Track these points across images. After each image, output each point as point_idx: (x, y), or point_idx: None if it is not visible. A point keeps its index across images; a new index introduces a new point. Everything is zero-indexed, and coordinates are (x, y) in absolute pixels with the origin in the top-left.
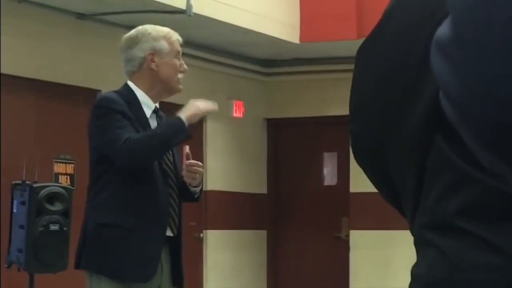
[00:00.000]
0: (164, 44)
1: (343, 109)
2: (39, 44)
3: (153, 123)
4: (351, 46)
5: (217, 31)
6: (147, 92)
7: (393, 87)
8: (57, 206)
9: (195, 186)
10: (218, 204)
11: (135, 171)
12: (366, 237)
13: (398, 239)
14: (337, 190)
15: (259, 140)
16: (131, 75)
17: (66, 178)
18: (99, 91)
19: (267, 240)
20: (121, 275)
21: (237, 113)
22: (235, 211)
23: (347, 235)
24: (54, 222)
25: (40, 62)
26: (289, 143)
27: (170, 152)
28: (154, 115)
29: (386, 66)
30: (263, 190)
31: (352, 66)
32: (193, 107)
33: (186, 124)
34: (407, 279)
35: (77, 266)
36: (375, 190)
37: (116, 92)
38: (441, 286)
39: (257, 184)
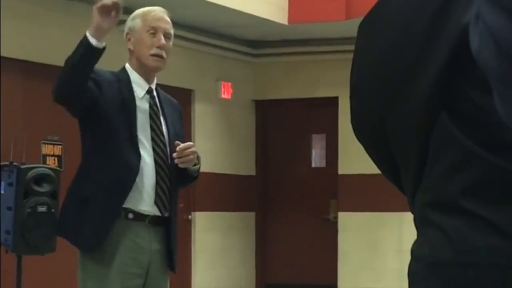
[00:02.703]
0: (137, 22)
1: (332, 91)
2: (28, 25)
3: (144, 104)
4: (340, 27)
5: (205, 12)
6: (138, 72)
7: (396, 62)
8: (45, 188)
9: (194, 165)
10: (207, 186)
11: (103, 144)
12: (354, 219)
13: (386, 221)
14: (326, 172)
15: (247, 121)
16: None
17: (54, 160)
18: None
19: (255, 222)
20: (74, 241)
21: (225, 94)
22: (224, 193)
23: (336, 217)
24: (42, 204)
25: (28, 43)
26: (277, 125)
27: (162, 131)
28: (148, 96)
29: (389, 41)
30: (252, 172)
31: (341, 47)
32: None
33: (91, 36)
34: (395, 260)
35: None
36: (364, 172)
37: (113, 71)
38: (443, 267)
39: (246, 166)
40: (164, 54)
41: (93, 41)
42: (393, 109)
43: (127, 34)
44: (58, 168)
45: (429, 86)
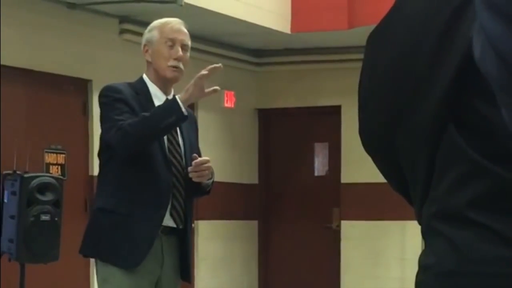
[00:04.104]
0: (154, 34)
1: (335, 100)
2: (30, 34)
3: None
4: (342, 36)
5: (208, 21)
6: (156, 84)
7: (405, 74)
8: (48, 196)
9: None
10: (209, 194)
11: (133, 156)
12: (357, 228)
13: (389, 230)
14: (328, 181)
15: (250, 130)
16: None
17: (57, 168)
18: (90, 80)
19: (258, 231)
20: (110, 259)
21: (229, 103)
22: (226, 201)
23: (338, 226)
24: (45, 212)
25: (30, 52)
26: (280, 134)
27: (178, 142)
28: None
29: (398, 53)
30: (254, 180)
31: (343, 56)
32: (190, 84)
33: (181, 104)
34: (398, 269)
35: (81, 253)
36: (366, 181)
37: (127, 82)
38: (450, 277)
39: (248, 175)
40: (181, 66)
41: (184, 110)
42: (401, 121)
43: (144, 45)
44: (61, 177)
45: (438, 99)
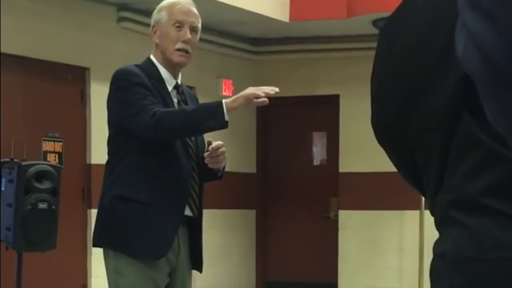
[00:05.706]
0: (162, 15)
1: (333, 89)
2: (28, 21)
3: (174, 100)
4: (341, 25)
5: (207, 9)
6: (165, 67)
7: (419, 64)
8: (46, 185)
9: None
10: (207, 183)
11: (156, 145)
12: (355, 217)
13: (386, 219)
14: (326, 170)
15: (248, 119)
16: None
17: (55, 156)
18: (88, 68)
19: (256, 220)
20: (132, 250)
21: (226, 92)
22: (224, 190)
23: (336, 215)
24: (42, 201)
25: (28, 40)
26: (278, 123)
27: None
28: (175, 91)
29: (412, 43)
30: (252, 169)
31: (342, 45)
32: (241, 95)
33: (226, 110)
34: (395, 259)
35: (94, 243)
36: (364, 170)
37: (137, 65)
38: (467, 264)
39: (246, 164)
40: (189, 49)
41: (227, 118)
42: (415, 111)
43: (153, 27)
44: (58, 165)
45: (452, 86)
